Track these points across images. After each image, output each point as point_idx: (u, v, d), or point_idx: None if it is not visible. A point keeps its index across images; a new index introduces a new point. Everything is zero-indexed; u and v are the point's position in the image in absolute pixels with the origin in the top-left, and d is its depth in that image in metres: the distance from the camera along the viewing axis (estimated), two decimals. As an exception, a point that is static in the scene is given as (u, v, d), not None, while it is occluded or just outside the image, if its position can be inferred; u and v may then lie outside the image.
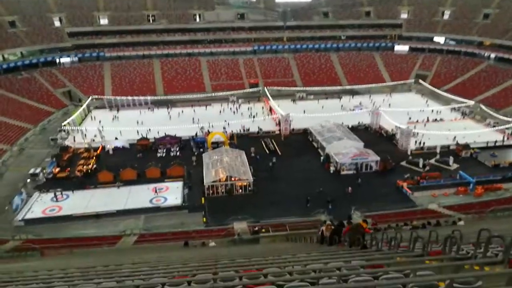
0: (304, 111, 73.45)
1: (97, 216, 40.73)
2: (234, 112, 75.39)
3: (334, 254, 12.68)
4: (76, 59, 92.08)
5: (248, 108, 74.91)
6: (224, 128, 64.32)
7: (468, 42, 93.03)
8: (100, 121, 70.80)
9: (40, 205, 43.08)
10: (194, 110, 77.08)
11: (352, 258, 10.78)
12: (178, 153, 57.01)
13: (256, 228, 34.13)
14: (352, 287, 6.00)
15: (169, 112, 76.14)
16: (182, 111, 75.82)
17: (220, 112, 74.30)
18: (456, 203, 41.33)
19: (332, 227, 17.40)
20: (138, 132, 62.20)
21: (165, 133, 60.48)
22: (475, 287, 5.89)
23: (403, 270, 7.59)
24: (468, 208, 38.97)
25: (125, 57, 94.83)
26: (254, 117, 71.54)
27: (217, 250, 23.87)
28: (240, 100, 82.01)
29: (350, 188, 43.75)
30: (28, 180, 48.58)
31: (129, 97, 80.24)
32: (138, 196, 44.32)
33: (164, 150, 57.73)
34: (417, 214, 37.99)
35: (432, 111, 72.56)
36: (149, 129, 63.27)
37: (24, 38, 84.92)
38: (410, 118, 66.86)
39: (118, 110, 77.12)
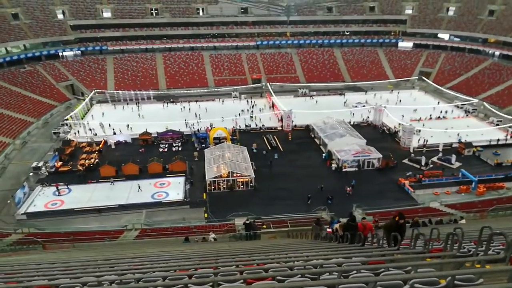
0: (317, 101, 76.30)
1: (99, 211, 40.89)
2: (251, 108, 74.98)
3: (335, 250, 12.71)
4: (79, 52, 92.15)
5: (260, 110, 74.64)
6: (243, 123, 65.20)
7: (472, 39, 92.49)
8: (132, 108, 74.45)
9: (43, 199, 43.28)
10: (217, 104, 77.25)
11: (353, 254, 10.80)
12: (180, 148, 57.17)
13: (248, 221, 33.91)
14: (353, 282, 6.02)
15: (183, 107, 76.03)
16: (184, 107, 76.16)
17: (243, 111, 72.54)
18: (458, 202, 41.32)
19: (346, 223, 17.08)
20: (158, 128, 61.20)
21: (191, 126, 61.41)
22: (477, 284, 5.89)
23: (404, 267, 7.61)
24: (470, 206, 38.95)
25: (127, 50, 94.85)
26: (252, 112, 71.72)
27: (218, 245, 23.96)
28: (243, 96, 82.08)
29: (348, 189, 43.82)
30: (31, 174, 48.82)
31: (132, 92, 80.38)
32: (143, 189, 44.43)
33: (166, 145, 57.90)
34: (418, 212, 37.99)
35: (434, 108, 72.27)
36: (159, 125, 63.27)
37: (27, 31, 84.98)
38: (403, 117, 65.70)
39: (138, 103, 77.52)
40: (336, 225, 18.02)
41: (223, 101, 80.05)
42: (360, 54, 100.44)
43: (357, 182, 45.16)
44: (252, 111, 73.01)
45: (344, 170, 49.33)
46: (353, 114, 68.93)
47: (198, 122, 65.80)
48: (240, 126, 65.03)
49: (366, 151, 50.75)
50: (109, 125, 63.60)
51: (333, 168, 50.01)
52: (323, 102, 77.63)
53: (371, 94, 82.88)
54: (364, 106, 73.60)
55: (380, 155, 50.10)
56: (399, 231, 12.29)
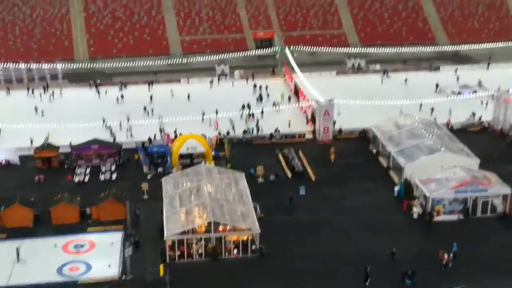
0: (406, 80, 78.66)
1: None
2: (258, 99, 76.84)
3: None
4: None
5: (274, 104, 74.93)
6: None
7: None
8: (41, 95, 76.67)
9: None
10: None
11: None
12: (114, 176, 57.37)
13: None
14: None
15: (121, 96, 78.34)
16: (122, 95, 77.92)
17: (244, 107, 73.36)
18: None
19: None
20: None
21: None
22: None
23: None
24: None
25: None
26: (259, 104, 72.22)
27: None
28: (237, 73, 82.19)
29: (446, 256, 43.29)
30: None
31: (22, 65, 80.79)
32: (37, 258, 44.20)
33: (88, 170, 58.07)
34: None
35: None
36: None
37: None
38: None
39: (46, 88, 79.61)
40: None
41: (211, 82, 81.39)
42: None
43: (462, 243, 44.70)
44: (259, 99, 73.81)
45: (436, 219, 49.05)
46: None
47: (127, 128, 67.01)
48: (229, 133, 65.69)
49: (480, 181, 50.44)
50: None
51: (415, 216, 49.65)
52: (397, 85, 78.49)
53: (494, 69, 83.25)
54: (475, 92, 73.91)
55: (509, 190, 49.84)
56: None
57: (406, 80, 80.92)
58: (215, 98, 75.53)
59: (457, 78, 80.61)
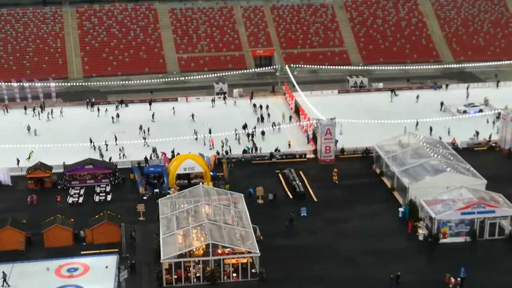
0: (418, 96, 78.44)
1: None
2: (259, 119, 77.03)
3: None
4: None
5: (274, 125, 75.00)
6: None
7: None
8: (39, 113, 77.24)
9: None
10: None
11: None
12: (109, 197, 57.11)
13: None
14: None
15: (117, 115, 78.15)
16: (118, 114, 77.89)
17: (245, 128, 73.49)
18: None
19: None
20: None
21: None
22: None
23: None
24: None
25: (6, 2, 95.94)
26: (258, 123, 72.48)
27: None
28: (236, 91, 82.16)
29: (453, 281, 42.96)
30: None
31: (14, 83, 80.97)
32: (28, 283, 43.73)
33: (82, 190, 57.86)
34: None
35: None
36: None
37: None
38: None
39: (43, 106, 79.68)
40: None
41: (213, 101, 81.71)
42: (471, 8, 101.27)
43: (470, 266, 44.18)
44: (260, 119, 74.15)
45: (442, 241, 48.78)
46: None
47: (119, 147, 66.75)
48: (228, 152, 65.75)
49: (487, 202, 50.22)
50: None
51: (421, 238, 49.37)
52: (406, 103, 79.11)
53: (504, 87, 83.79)
54: (481, 111, 74.27)
55: (516, 211, 49.65)
56: None
57: (418, 97, 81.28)
58: (217, 117, 75.86)
59: (467, 96, 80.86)
